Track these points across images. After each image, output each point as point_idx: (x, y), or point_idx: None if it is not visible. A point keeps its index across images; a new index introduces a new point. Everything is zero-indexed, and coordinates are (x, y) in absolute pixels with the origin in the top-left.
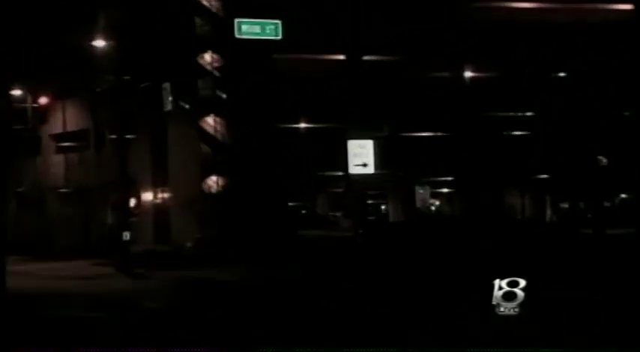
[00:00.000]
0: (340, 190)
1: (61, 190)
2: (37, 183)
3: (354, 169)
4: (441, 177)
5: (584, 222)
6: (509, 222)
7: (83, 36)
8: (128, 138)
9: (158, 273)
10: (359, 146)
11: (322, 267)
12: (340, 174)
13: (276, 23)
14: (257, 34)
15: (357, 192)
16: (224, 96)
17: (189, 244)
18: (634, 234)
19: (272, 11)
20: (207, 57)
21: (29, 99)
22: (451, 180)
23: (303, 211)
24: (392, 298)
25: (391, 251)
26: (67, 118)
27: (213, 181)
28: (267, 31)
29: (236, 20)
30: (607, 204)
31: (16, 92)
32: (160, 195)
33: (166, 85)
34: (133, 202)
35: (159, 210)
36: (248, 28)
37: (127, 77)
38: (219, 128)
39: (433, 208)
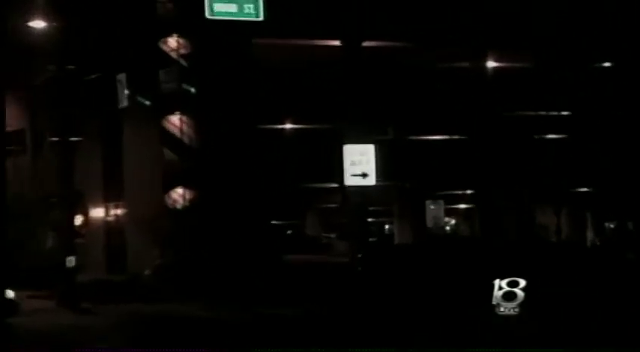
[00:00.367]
0: (334, 206)
1: None
2: None
3: (351, 180)
4: (458, 190)
5: (633, 245)
6: (542, 246)
7: (18, 15)
8: (73, 140)
9: (109, 308)
10: (357, 152)
11: (311, 302)
12: (334, 186)
13: (256, 1)
14: (233, 14)
15: (355, 209)
16: (192, 90)
17: (148, 272)
18: None
19: None
20: (172, 42)
21: None
22: (470, 194)
23: (290, 232)
24: (397, 341)
25: (397, 281)
26: None
27: (178, 194)
28: (246, 11)
29: None
30: None
31: None
32: (113, 212)
33: (121, 77)
34: (79, 220)
35: (112, 230)
36: (222, 7)
37: (72, 66)
38: (186, 129)
39: (448, 228)
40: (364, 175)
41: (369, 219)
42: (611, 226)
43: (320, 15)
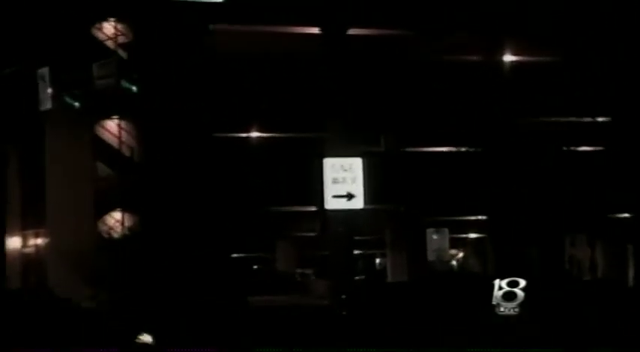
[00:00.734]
0: (312, 235)
1: None
2: None
3: (333, 203)
4: (467, 215)
5: None
6: (573, 285)
7: None
8: None
9: None
10: (341, 167)
11: None
12: (312, 209)
13: None
14: None
15: (337, 238)
16: (134, 88)
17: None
18: None
19: None
20: (108, 28)
21: None
22: (482, 221)
23: (256, 267)
24: None
25: (390, 328)
26: None
27: (115, 220)
28: None
29: None
30: None
31: None
32: (32, 242)
33: (44, 72)
34: None
35: (30, 264)
36: None
37: None
38: (125, 137)
39: (454, 263)
40: (349, 196)
41: (356, 251)
42: None
43: None
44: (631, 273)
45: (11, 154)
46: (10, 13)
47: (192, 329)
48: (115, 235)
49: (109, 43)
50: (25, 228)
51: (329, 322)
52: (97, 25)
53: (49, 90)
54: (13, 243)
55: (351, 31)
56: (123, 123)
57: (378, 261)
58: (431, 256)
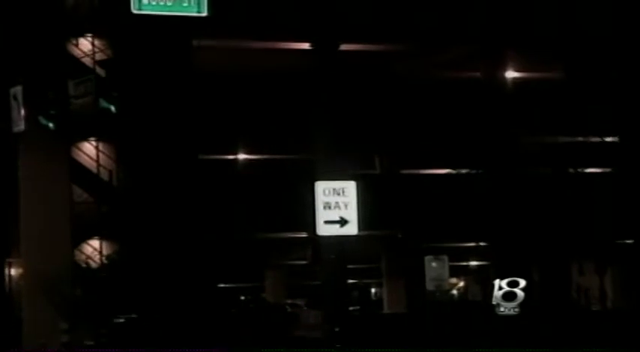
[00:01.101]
0: (303, 263)
1: None
2: None
3: (325, 229)
4: (467, 241)
5: None
6: (581, 315)
7: None
8: None
9: None
10: (333, 191)
11: None
12: (303, 236)
13: None
14: (167, 8)
15: (330, 267)
16: (112, 108)
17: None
18: None
19: None
20: (86, 44)
21: None
22: (483, 248)
23: (244, 298)
24: None
25: None
26: None
27: (93, 248)
28: (184, 5)
29: None
30: None
31: None
32: (4, 272)
33: (16, 91)
34: None
35: (1, 297)
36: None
37: None
38: (104, 160)
39: (455, 292)
40: (342, 222)
41: (349, 281)
42: None
43: (284, 9)
44: None
45: None
46: None
47: None
48: (93, 264)
49: (86, 60)
50: None
51: None
52: (74, 42)
53: (22, 111)
54: None
55: (344, 47)
56: (101, 145)
57: (373, 290)
58: (429, 285)
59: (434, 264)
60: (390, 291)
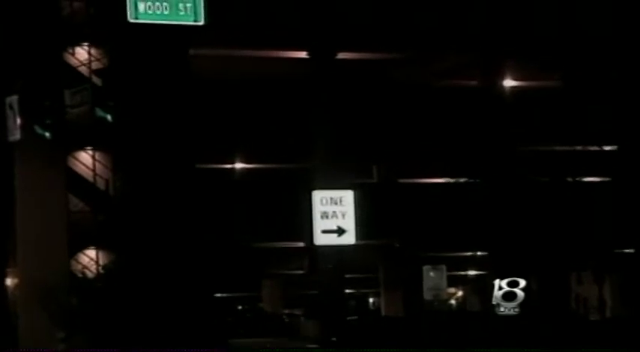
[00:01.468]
0: (300, 273)
1: None
2: None
3: (322, 238)
4: (466, 251)
5: None
6: (580, 324)
7: None
8: None
9: None
10: (331, 200)
11: None
12: (300, 246)
13: (195, 0)
14: (164, 17)
15: (327, 276)
16: (109, 117)
17: None
18: None
19: None
20: (82, 53)
21: None
22: (481, 257)
23: (241, 307)
24: None
25: None
26: None
27: (89, 257)
28: (181, 14)
29: None
30: None
31: None
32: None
33: (12, 100)
34: None
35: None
36: (149, 8)
37: None
38: (100, 170)
39: (453, 302)
40: (340, 231)
41: (347, 290)
42: None
43: (281, 17)
44: None
45: None
46: None
47: None
48: (89, 274)
49: (83, 69)
50: None
51: None
52: (70, 51)
53: (19, 121)
54: None
55: (341, 55)
56: (97, 155)
57: (371, 300)
58: (427, 295)
59: (432, 274)
60: (388, 301)
